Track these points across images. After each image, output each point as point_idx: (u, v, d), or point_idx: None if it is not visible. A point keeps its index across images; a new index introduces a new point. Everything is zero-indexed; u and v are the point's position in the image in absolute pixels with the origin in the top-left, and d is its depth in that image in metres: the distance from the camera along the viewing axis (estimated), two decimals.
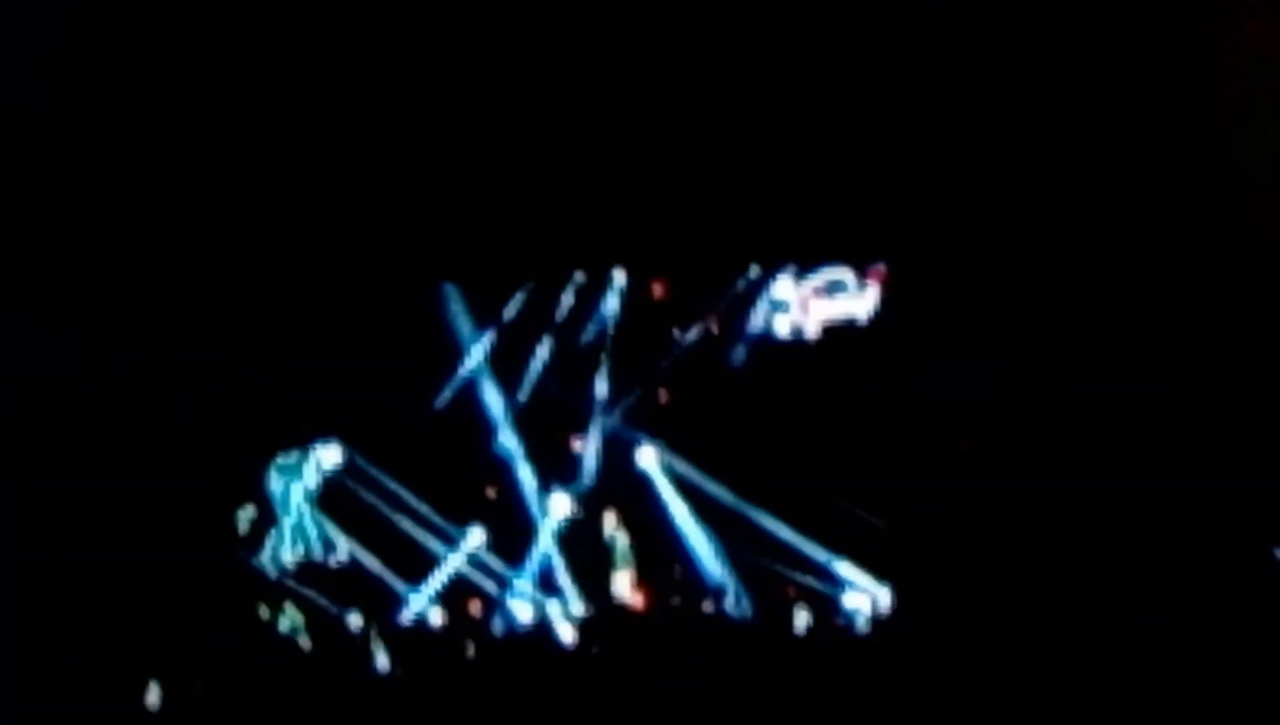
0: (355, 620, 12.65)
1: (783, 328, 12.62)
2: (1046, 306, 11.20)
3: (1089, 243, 11.12)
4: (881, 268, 12.33)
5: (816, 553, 12.29)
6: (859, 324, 12.36)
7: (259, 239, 12.18)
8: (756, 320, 12.65)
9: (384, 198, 12.19)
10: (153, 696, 12.19)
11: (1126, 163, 10.98)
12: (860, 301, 12.42)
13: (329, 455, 12.85)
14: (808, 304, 12.55)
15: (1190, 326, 10.71)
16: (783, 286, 12.61)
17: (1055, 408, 11.11)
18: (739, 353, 12.69)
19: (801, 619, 12.20)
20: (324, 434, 12.82)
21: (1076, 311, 11.15)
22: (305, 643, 12.63)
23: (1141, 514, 10.66)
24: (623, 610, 12.65)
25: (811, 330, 12.51)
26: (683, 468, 12.62)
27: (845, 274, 12.48)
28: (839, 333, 12.40)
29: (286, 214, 12.10)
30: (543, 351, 12.97)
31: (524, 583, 12.72)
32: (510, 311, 12.93)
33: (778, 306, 12.61)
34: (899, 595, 12.03)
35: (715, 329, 12.74)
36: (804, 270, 12.56)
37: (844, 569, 12.26)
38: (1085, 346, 11.12)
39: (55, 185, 11.59)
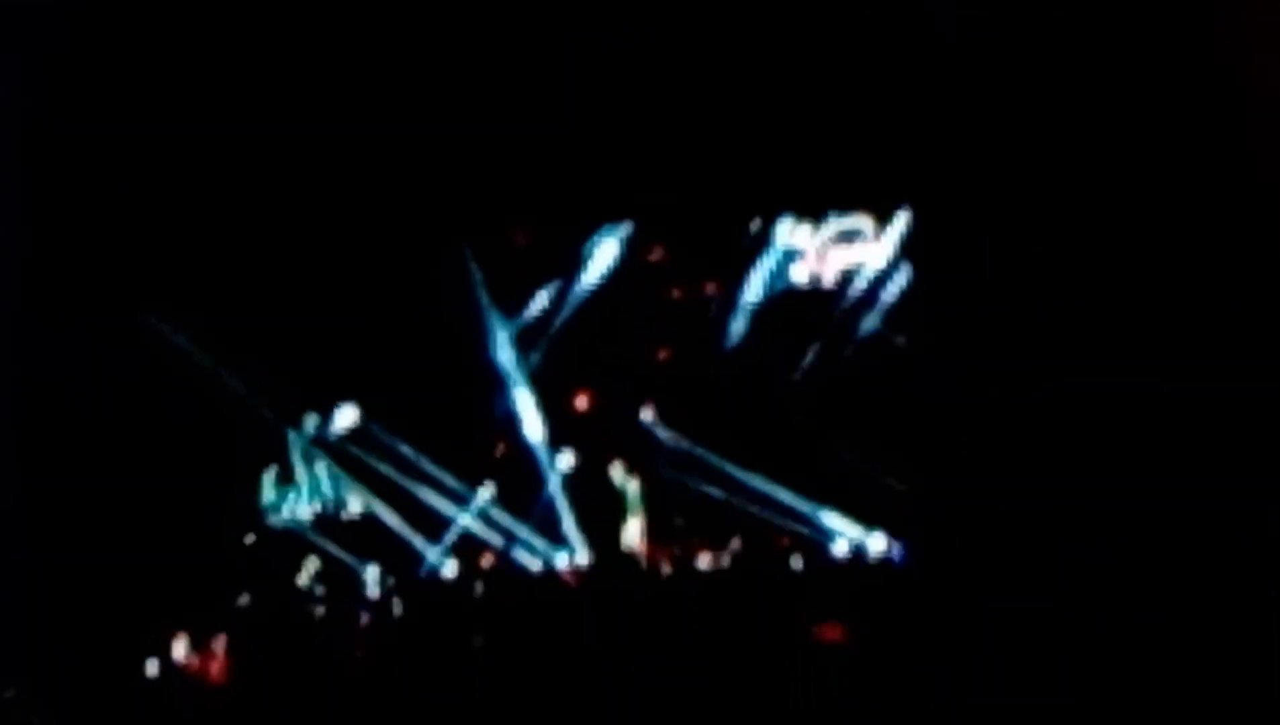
0: (372, 574, 12.93)
1: (799, 277, 12.70)
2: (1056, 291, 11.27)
3: (1091, 233, 11.18)
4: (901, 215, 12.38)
5: (807, 505, 12.55)
6: (872, 277, 12.43)
7: (272, 216, 12.22)
8: (771, 272, 12.69)
9: (394, 164, 12.21)
10: (178, 651, 12.50)
11: (1129, 159, 11.00)
12: (877, 250, 12.47)
13: (346, 416, 13.04)
14: (825, 253, 12.60)
15: (1191, 325, 10.81)
16: (799, 235, 12.65)
17: (1068, 383, 11.19)
18: (745, 311, 12.79)
19: (795, 564, 12.49)
20: (341, 396, 13.01)
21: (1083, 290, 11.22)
22: (324, 596, 12.93)
23: (1143, 510, 10.85)
24: (629, 560, 12.95)
25: (829, 280, 12.59)
26: (679, 429, 12.85)
27: (863, 222, 12.53)
28: (847, 291, 12.50)
29: (298, 192, 12.13)
30: (551, 308, 13.09)
31: (533, 535, 12.99)
32: (521, 268, 13.03)
33: (793, 256, 12.67)
34: (908, 552, 12.29)
35: (721, 286, 12.82)
36: (819, 218, 12.60)
37: (833, 519, 12.54)
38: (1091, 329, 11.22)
39: (55, 185, 11.54)
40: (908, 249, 12.40)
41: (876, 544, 12.44)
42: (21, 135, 11.46)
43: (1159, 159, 10.99)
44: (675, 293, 13.02)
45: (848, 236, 12.57)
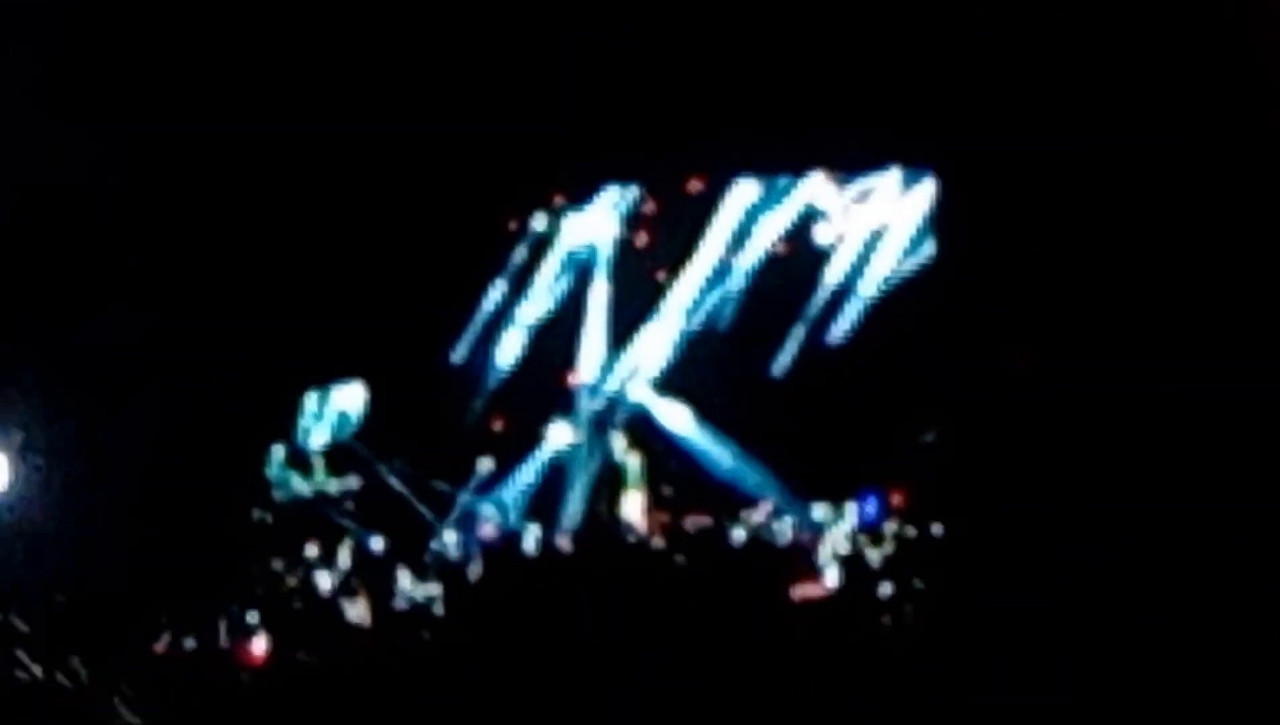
0: (377, 545, 13.09)
1: (823, 236, 12.77)
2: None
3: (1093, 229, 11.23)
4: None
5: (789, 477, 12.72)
6: (894, 238, 12.51)
7: (278, 210, 12.26)
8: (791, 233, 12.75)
9: (391, 159, 12.24)
10: (188, 625, 12.64)
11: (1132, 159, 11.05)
12: (900, 209, 12.55)
13: (351, 394, 13.18)
14: (848, 211, 12.68)
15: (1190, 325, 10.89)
16: (823, 194, 12.71)
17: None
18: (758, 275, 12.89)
19: (781, 533, 12.65)
20: (346, 375, 13.23)
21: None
22: (329, 567, 13.09)
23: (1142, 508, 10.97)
24: (625, 530, 13.11)
25: (851, 239, 12.67)
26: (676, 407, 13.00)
27: (885, 181, 12.59)
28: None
29: (300, 186, 12.17)
30: (551, 283, 13.17)
31: (529, 509, 13.15)
32: (523, 242, 13.18)
33: (818, 215, 12.75)
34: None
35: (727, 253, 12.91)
36: (844, 177, 12.66)
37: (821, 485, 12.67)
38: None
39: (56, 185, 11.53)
40: (931, 214, 12.49)
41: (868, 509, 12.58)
42: (21, 135, 11.39)
43: (1162, 160, 11.03)
44: (677, 264, 13.12)
45: (869, 196, 12.64)
